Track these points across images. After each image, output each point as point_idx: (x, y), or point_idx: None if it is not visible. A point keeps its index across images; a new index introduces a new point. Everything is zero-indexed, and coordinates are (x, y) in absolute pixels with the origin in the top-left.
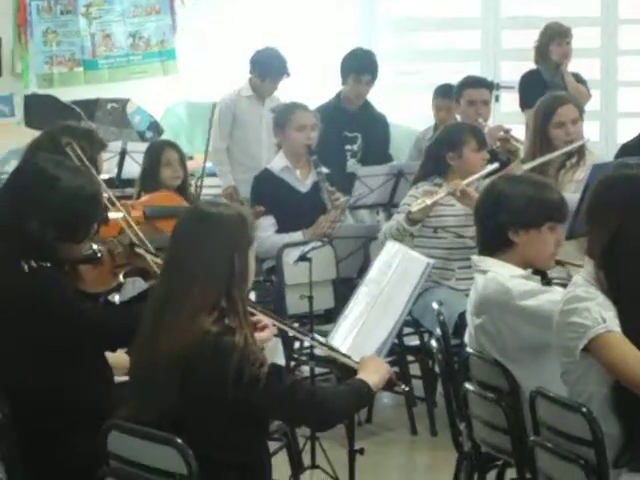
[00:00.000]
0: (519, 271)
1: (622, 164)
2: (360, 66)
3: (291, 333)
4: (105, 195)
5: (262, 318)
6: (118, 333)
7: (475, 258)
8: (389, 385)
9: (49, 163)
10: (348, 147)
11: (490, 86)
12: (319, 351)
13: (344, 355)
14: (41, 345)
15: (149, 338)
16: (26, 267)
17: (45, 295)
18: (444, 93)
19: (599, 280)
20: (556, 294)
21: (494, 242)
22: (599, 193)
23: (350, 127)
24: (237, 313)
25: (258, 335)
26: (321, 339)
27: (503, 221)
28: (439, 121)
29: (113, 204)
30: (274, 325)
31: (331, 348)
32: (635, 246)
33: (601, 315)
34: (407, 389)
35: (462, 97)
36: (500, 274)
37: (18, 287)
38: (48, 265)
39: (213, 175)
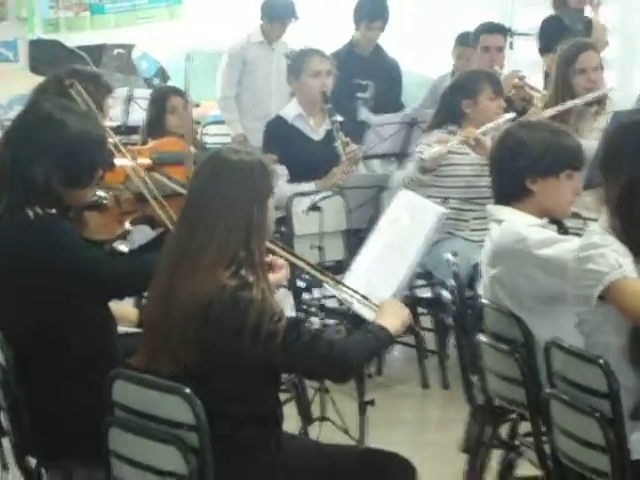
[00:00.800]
0: (536, 220)
1: (632, 111)
2: (372, 12)
3: (313, 273)
4: (111, 141)
5: (277, 258)
6: (126, 280)
7: (490, 207)
8: (409, 329)
9: (55, 107)
10: (360, 94)
11: (505, 32)
12: (329, 302)
13: (364, 297)
14: (46, 293)
15: (165, 288)
16: (31, 214)
17: (51, 241)
18: (464, 41)
19: (615, 228)
20: (573, 243)
21: (511, 191)
22: (612, 141)
23: (362, 74)
24: (255, 265)
25: (273, 276)
26: (340, 281)
27: (520, 169)
28: (457, 69)
29: (119, 150)
30: (294, 264)
31: (351, 289)
32: None
33: (617, 261)
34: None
35: (477, 43)
36: (516, 223)
37: (23, 234)
38: (53, 211)
39: (218, 123)
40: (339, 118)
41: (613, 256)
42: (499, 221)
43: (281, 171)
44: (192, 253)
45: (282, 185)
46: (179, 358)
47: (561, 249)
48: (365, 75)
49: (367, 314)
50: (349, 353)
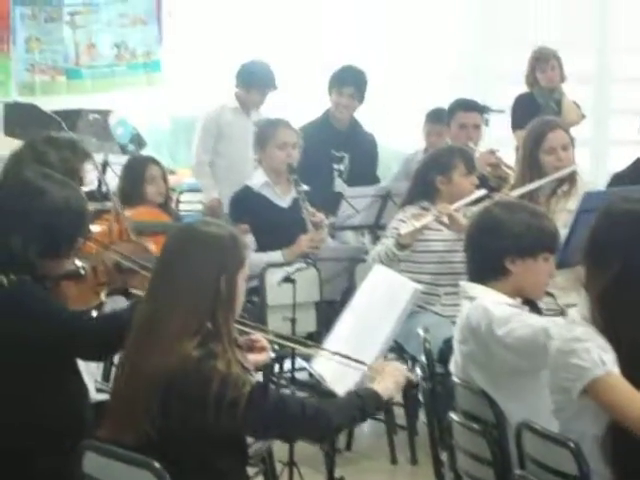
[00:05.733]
0: (508, 299)
1: (621, 198)
2: (344, 78)
3: (288, 344)
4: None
5: (260, 339)
6: (102, 339)
7: (464, 284)
8: (407, 387)
9: (36, 175)
10: (335, 166)
11: (482, 110)
12: (300, 375)
13: (357, 361)
14: (17, 360)
15: (131, 358)
16: (5, 281)
17: (24, 305)
18: (436, 118)
19: (595, 320)
20: (531, 317)
21: (487, 269)
22: (600, 231)
23: (338, 146)
24: (221, 337)
25: (254, 357)
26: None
27: (499, 248)
28: (429, 145)
29: (98, 218)
30: (274, 342)
31: (343, 355)
32: (638, 290)
33: (600, 357)
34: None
35: (453, 120)
36: (486, 300)
37: None
38: (28, 278)
39: (194, 191)
40: (305, 188)
41: (597, 352)
42: (471, 298)
43: (248, 240)
44: (157, 323)
45: (250, 255)
46: (143, 429)
47: (518, 324)
48: (341, 147)
49: (340, 388)
50: (324, 413)
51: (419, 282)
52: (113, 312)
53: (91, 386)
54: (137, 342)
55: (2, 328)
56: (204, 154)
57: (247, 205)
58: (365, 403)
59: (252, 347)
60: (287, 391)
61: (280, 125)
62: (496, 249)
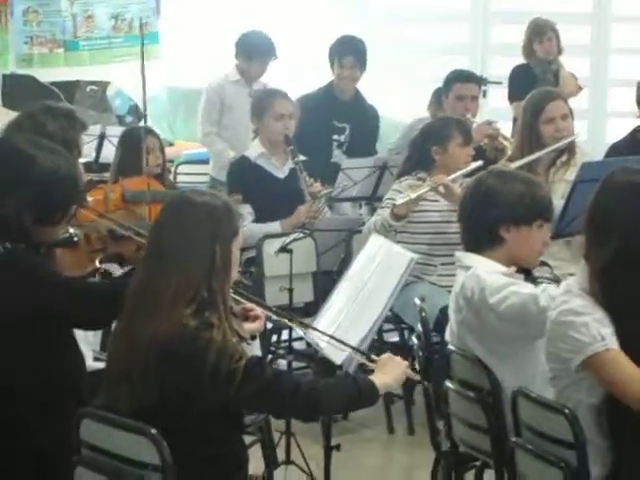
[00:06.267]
0: (502, 268)
1: (621, 169)
2: (342, 49)
3: (280, 319)
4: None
5: (255, 308)
6: (102, 304)
7: (459, 254)
8: (406, 383)
9: (26, 143)
10: (335, 137)
11: (479, 81)
12: (298, 344)
13: (358, 351)
14: (14, 326)
15: (126, 326)
16: (1, 248)
17: (19, 271)
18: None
19: (593, 291)
20: (524, 287)
21: (482, 238)
22: (600, 202)
23: (339, 117)
24: (216, 306)
25: (249, 326)
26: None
27: (493, 217)
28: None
29: (93, 187)
30: (267, 315)
31: (341, 342)
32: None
33: (599, 332)
34: (418, 379)
35: (450, 91)
36: (480, 270)
37: None
38: (22, 246)
39: (191, 162)
40: (302, 158)
41: (595, 326)
42: (467, 267)
43: (246, 210)
44: (152, 291)
45: (248, 225)
46: (139, 397)
47: (510, 292)
48: (343, 118)
49: (336, 356)
50: (316, 394)
51: (415, 252)
52: (109, 279)
53: (88, 354)
54: (132, 310)
55: None
56: (210, 127)
57: (244, 176)
58: (361, 394)
59: (247, 316)
60: (284, 361)
61: (277, 96)
62: (490, 218)
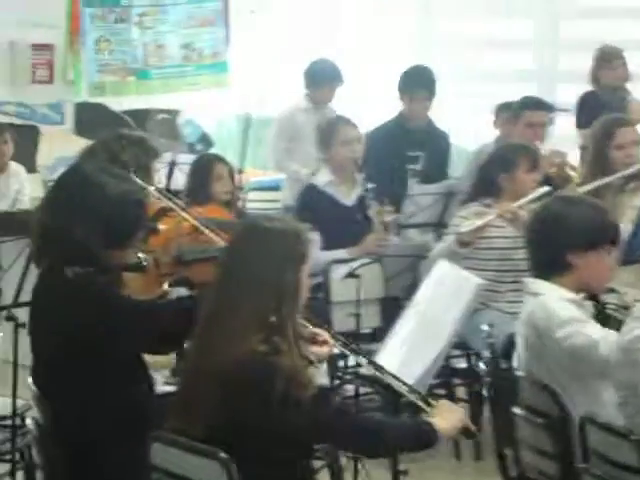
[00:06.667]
0: (571, 295)
1: None
2: (414, 84)
3: (345, 350)
4: (161, 203)
5: (323, 332)
6: (169, 328)
7: (527, 280)
8: (464, 433)
9: (96, 170)
10: (410, 166)
11: (550, 109)
12: (364, 370)
13: (419, 394)
14: (84, 351)
15: (196, 351)
16: (70, 273)
17: (89, 296)
18: (506, 109)
19: None
20: (589, 326)
21: (550, 264)
22: None
23: (412, 146)
24: (286, 332)
25: (317, 350)
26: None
27: (562, 243)
28: (505, 136)
29: (164, 215)
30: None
31: (399, 379)
32: None
33: None
34: (478, 432)
35: (520, 118)
36: (548, 297)
37: (62, 292)
38: (92, 271)
39: (261, 189)
40: (371, 186)
41: None
42: (535, 294)
43: (314, 238)
44: (222, 317)
45: (315, 252)
46: (208, 421)
47: (577, 333)
48: (416, 147)
49: (405, 381)
50: (379, 432)
51: (482, 279)
52: (176, 306)
53: (159, 379)
54: (203, 336)
55: (67, 319)
56: (281, 154)
57: (312, 203)
58: (423, 437)
59: (315, 340)
60: (351, 386)
61: (340, 123)
62: (558, 243)
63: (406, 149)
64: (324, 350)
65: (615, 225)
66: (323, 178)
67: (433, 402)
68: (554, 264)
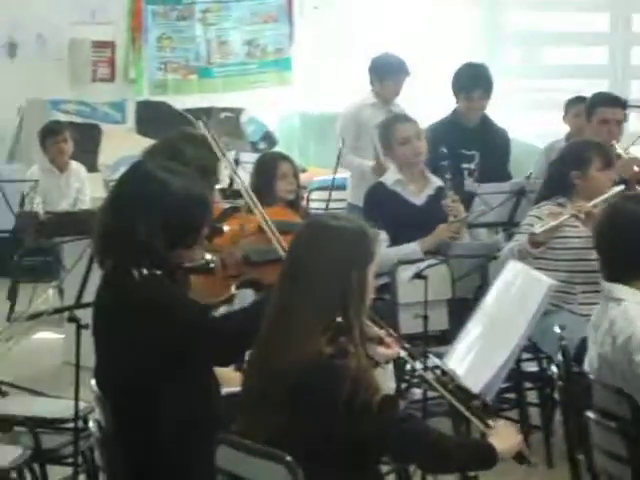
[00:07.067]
0: None
1: None
2: (469, 83)
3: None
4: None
5: (390, 334)
6: (233, 340)
7: (608, 285)
8: (518, 458)
9: (159, 168)
10: (465, 165)
11: (624, 105)
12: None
13: (477, 415)
14: (148, 355)
15: (261, 352)
16: (137, 274)
17: (155, 300)
18: (577, 103)
19: None
20: None
21: (625, 267)
22: None
23: (467, 145)
24: (353, 333)
25: (383, 351)
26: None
27: (636, 244)
28: (576, 130)
29: (228, 216)
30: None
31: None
32: None
33: None
34: (534, 465)
35: (594, 115)
36: (631, 309)
37: (128, 294)
38: (158, 273)
39: (324, 188)
40: (449, 176)
41: None
42: (617, 300)
43: (381, 237)
44: (288, 319)
45: (382, 250)
46: (274, 424)
47: None
48: (471, 145)
49: (475, 385)
50: (443, 447)
51: (554, 279)
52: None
53: None
54: (268, 338)
55: (132, 321)
56: (346, 150)
57: (380, 202)
58: (483, 459)
59: (382, 341)
60: (418, 390)
61: (397, 121)
62: (631, 245)
63: (461, 148)
64: (390, 351)
65: None
66: (392, 177)
67: (492, 424)
68: (629, 267)
